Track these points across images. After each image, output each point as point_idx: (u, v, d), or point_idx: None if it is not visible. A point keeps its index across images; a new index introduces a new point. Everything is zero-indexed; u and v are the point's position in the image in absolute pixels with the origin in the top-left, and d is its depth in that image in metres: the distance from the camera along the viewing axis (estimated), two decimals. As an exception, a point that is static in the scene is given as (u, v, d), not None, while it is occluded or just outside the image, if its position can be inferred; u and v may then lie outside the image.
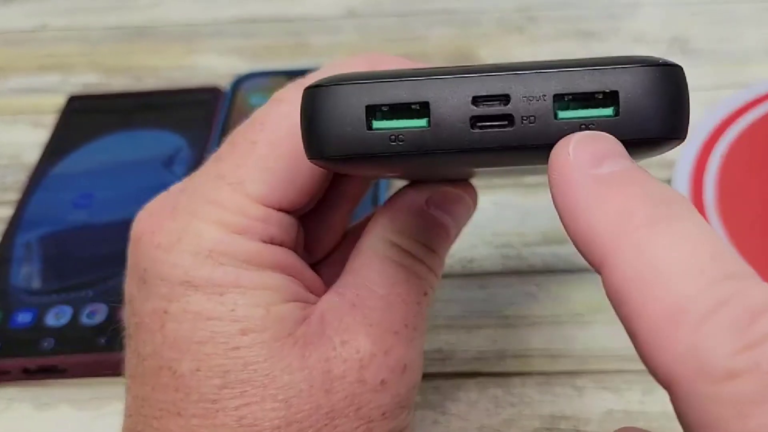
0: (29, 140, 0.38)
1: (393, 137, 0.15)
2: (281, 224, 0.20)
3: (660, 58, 0.15)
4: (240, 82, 0.39)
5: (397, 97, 0.15)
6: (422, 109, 0.15)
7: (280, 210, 0.20)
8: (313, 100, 0.15)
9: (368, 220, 0.23)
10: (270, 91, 0.23)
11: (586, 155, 0.14)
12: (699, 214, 0.13)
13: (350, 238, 0.23)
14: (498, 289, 0.30)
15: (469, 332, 0.29)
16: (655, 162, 0.34)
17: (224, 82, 0.39)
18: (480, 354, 0.28)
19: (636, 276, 0.12)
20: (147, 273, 0.19)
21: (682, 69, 0.15)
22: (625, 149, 0.14)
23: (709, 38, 0.41)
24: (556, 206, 0.14)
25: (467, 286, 0.30)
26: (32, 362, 0.28)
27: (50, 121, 0.38)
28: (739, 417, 0.11)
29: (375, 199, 0.32)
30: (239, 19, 0.45)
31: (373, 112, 0.15)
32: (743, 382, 0.11)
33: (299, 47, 0.43)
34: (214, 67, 0.42)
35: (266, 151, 0.19)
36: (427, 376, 0.27)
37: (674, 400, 0.12)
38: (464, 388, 0.27)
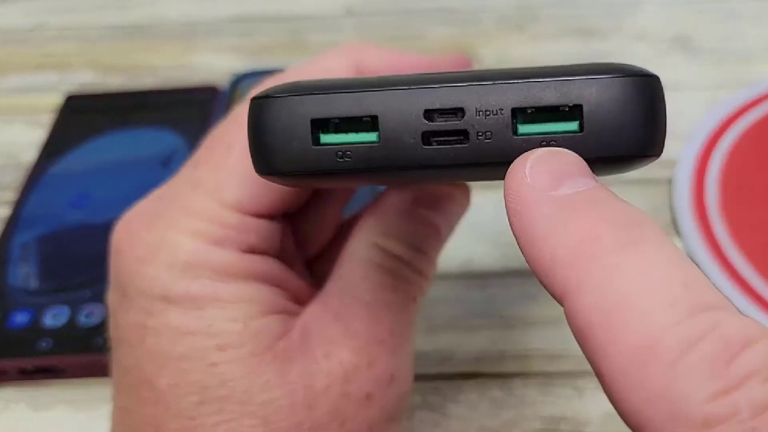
0: (26, 139, 0.38)
1: (341, 153, 0.14)
2: (261, 232, 0.19)
3: (633, 68, 0.14)
4: (239, 80, 0.39)
5: (344, 110, 0.14)
6: (372, 123, 0.14)
7: (259, 217, 0.19)
8: (259, 113, 0.14)
9: (361, 212, 0.22)
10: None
11: (544, 175, 0.13)
12: (668, 239, 0.12)
13: (342, 236, 0.23)
14: (498, 289, 0.30)
15: (469, 333, 0.29)
16: (656, 161, 0.34)
17: (222, 81, 0.39)
18: (480, 355, 0.28)
19: (601, 308, 0.11)
20: (127, 286, 0.18)
21: (657, 79, 0.14)
22: (587, 166, 0.13)
23: (711, 36, 0.41)
24: (513, 232, 0.13)
25: (467, 286, 0.30)
26: (29, 363, 0.28)
27: (48, 120, 0.38)
28: None
29: (375, 190, 0.32)
30: (237, 18, 0.45)
31: (320, 125, 0.14)
32: (724, 431, 0.10)
33: (297, 46, 0.43)
34: (212, 65, 0.42)
35: (243, 155, 0.18)
36: (426, 378, 0.27)
37: None
38: (464, 389, 0.27)
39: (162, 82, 0.41)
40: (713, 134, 0.34)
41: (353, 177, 0.14)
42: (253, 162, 0.15)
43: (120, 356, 0.19)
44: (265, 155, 0.14)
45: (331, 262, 0.21)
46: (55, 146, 0.36)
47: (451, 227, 0.21)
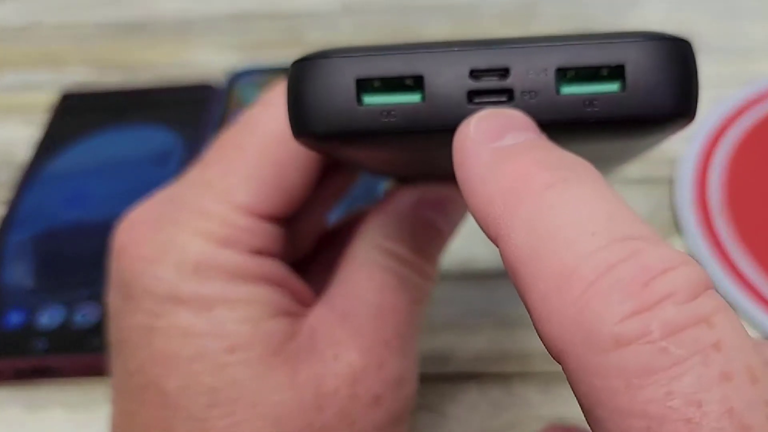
0: (22, 138, 0.38)
1: (385, 113, 0.14)
2: (269, 234, 0.19)
3: (668, 33, 0.14)
4: (236, 78, 0.38)
5: (390, 70, 0.14)
6: (416, 84, 0.14)
7: (267, 219, 0.19)
8: (302, 74, 0.14)
9: (350, 220, 0.22)
10: (266, 87, 0.22)
11: (488, 130, 0.13)
12: (603, 180, 0.13)
13: (332, 240, 0.23)
14: (498, 289, 0.30)
15: (468, 333, 0.28)
16: (658, 160, 0.34)
17: (219, 78, 0.39)
18: (480, 355, 0.28)
19: (528, 243, 0.12)
20: (132, 287, 0.18)
21: (691, 44, 0.14)
22: (533, 123, 0.14)
23: (713, 34, 0.40)
24: (460, 186, 0.13)
25: (467, 286, 0.30)
26: (24, 363, 0.28)
27: (43, 118, 0.38)
28: (628, 389, 0.10)
29: (371, 199, 0.31)
30: (234, 15, 0.45)
31: (364, 85, 0.14)
32: (632, 351, 0.10)
33: (295, 43, 0.43)
34: (208, 62, 0.42)
35: (255, 157, 0.19)
36: (426, 378, 0.27)
37: (566, 374, 0.11)
38: (464, 389, 0.27)
39: (158, 79, 0.40)
40: (716, 132, 0.34)
41: (396, 137, 0.14)
42: (292, 124, 0.15)
43: (123, 359, 0.19)
44: (307, 116, 0.14)
45: (317, 271, 0.21)
46: (50, 144, 0.36)
47: (452, 229, 0.21)
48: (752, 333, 0.28)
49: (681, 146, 0.33)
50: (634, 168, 0.33)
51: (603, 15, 0.42)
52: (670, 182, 0.33)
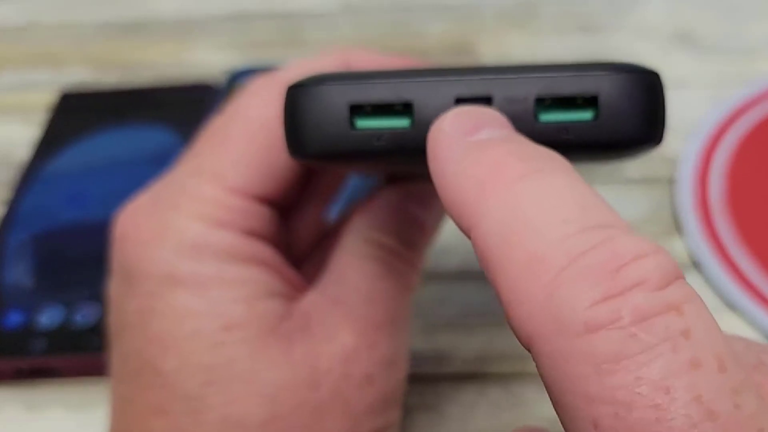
0: (21, 137, 0.37)
1: (376, 136, 0.15)
2: (262, 217, 0.20)
3: (640, 65, 0.15)
4: (236, 78, 0.38)
5: (381, 97, 0.15)
6: (405, 109, 0.15)
7: (259, 201, 0.19)
8: (297, 100, 0.15)
9: (344, 218, 0.23)
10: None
11: (464, 125, 0.14)
12: (575, 172, 0.13)
13: (331, 236, 0.23)
14: (498, 289, 0.30)
15: (468, 332, 0.28)
16: (658, 160, 0.34)
17: (219, 78, 0.39)
18: (480, 355, 0.28)
19: (499, 230, 0.12)
20: (131, 271, 0.19)
21: (659, 76, 0.15)
22: (508, 122, 0.14)
23: (714, 32, 0.40)
24: (433, 179, 0.14)
25: (467, 285, 0.30)
26: (25, 363, 0.28)
27: (42, 118, 0.38)
28: (598, 375, 0.10)
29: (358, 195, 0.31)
30: (233, 14, 0.45)
31: (357, 111, 0.15)
32: (603, 336, 0.10)
33: (295, 42, 0.43)
34: (208, 62, 0.41)
35: (243, 143, 0.19)
36: (425, 378, 0.27)
37: (535, 360, 0.11)
38: (463, 390, 0.27)
39: (158, 79, 0.40)
40: (716, 132, 0.33)
41: (386, 159, 0.15)
42: (288, 146, 0.16)
43: (121, 344, 0.19)
44: (303, 139, 0.15)
45: (316, 267, 0.21)
46: (49, 144, 0.36)
47: (436, 224, 0.22)
48: (753, 333, 0.28)
49: (681, 146, 0.33)
50: (634, 168, 0.33)
51: (603, 15, 0.42)
52: (670, 182, 0.33)
